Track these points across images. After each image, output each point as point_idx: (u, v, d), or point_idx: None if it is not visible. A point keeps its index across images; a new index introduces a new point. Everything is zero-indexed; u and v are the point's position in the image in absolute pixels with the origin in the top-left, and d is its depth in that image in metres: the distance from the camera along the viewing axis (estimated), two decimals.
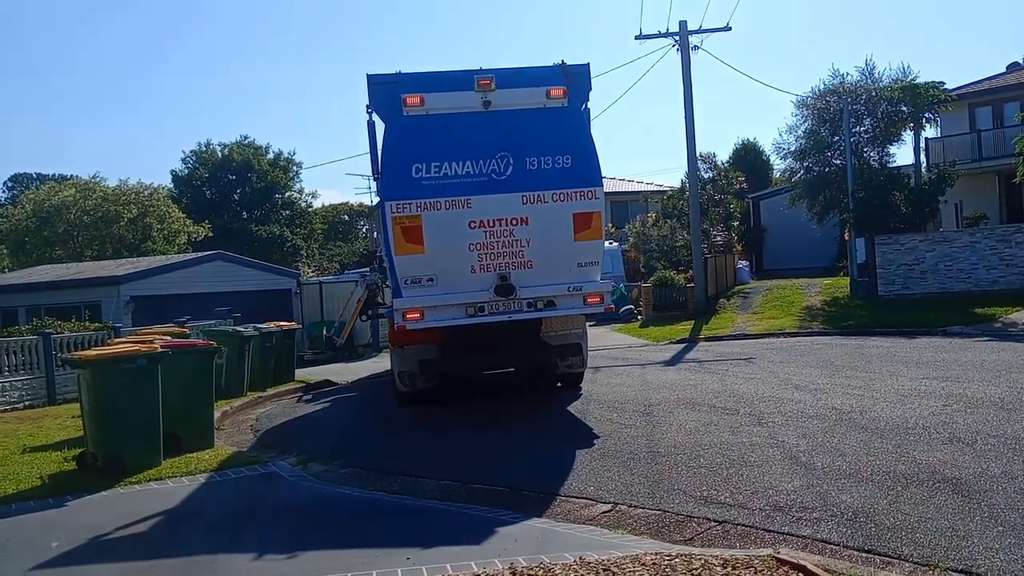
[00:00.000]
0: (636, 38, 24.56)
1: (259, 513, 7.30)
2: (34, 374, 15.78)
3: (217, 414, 11.57)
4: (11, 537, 6.78)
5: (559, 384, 12.75)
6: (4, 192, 58.50)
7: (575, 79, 10.77)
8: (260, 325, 16.35)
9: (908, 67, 28.86)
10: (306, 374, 18.43)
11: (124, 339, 12.20)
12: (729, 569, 4.69)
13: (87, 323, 18.45)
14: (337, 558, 5.77)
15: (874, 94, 27.62)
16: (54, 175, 51.35)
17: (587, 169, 10.68)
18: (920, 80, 27.03)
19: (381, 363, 19.32)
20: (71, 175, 44.95)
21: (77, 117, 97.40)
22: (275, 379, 16.33)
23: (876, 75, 28.58)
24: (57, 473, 9.08)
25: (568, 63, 10.79)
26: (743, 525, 5.87)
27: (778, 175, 41.44)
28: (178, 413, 9.61)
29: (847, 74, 29.03)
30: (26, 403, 15.40)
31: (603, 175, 11.09)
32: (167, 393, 9.25)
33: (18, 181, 58.80)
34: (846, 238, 28.01)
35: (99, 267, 26.31)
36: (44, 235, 36.51)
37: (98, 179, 39.94)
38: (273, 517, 7.08)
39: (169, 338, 11.04)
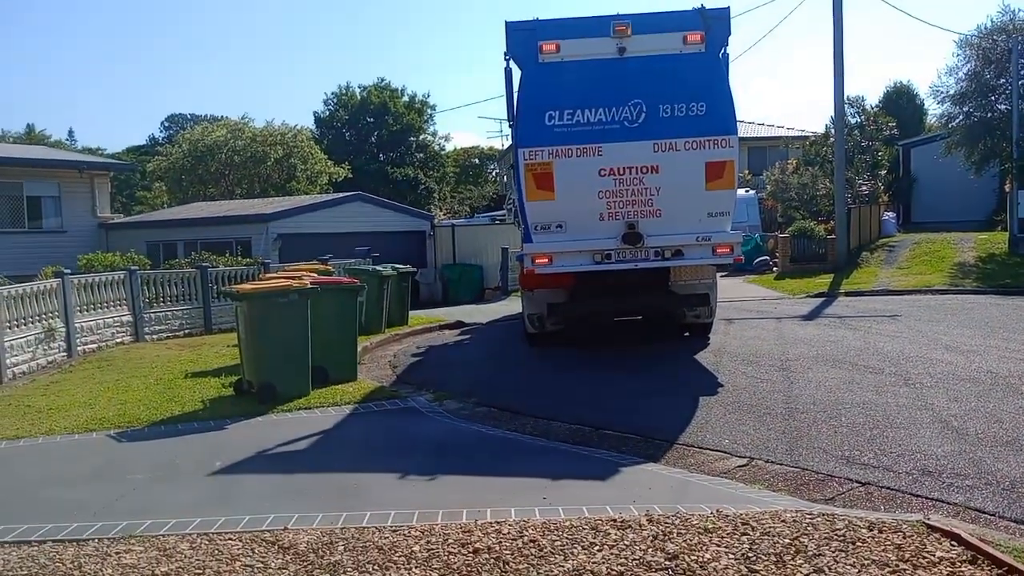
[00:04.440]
0: None
1: (401, 443, 7.66)
2: (192, 304, 16.95)
3: (359, 349, 12.08)
4: (179, 456, 7.40)
5: (686, 334, 12.62)
6: (161, 132, 62.31)
7: (713, 24, 10.45)
8: (398, 265, 16.86)
9: None
10: (441, 314, 18.95)
11: (274, 274, 12.90)
12: (875, 532, 4.56)
13: (239, 258, 19.54)
14: (475, 491, 6.00)
15: None
16: (207, 115, 54.05)
17: (722, 117, 10.43)
18: None
19: (510, 306, 19.61)
20: (222, 116, 47.13)
21: (222, 61, 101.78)
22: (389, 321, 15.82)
23: None
24: (216, 398, 9.80)
25: (707, 7, 10.46)
26: (888, 488, 5.70)
27: (933, 121, 38.65)
28: (325, 347, 10.10)
29: (1019, 10, 26.64)
30: (185, 331, 16.58)
31: (740, 119, 10.74)
32: (315, 327, 9.72)
33: (174, 121, 62.45)
34: (1006, 190, 25.99)
35: (249, 205, 27.66)
36: (199, 173, 38.56)
37: (247, 120, 41.68)
38: (414, 448, 7.40)
39: (316, 275, 11.58)
